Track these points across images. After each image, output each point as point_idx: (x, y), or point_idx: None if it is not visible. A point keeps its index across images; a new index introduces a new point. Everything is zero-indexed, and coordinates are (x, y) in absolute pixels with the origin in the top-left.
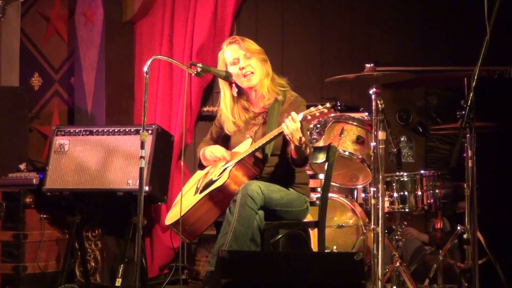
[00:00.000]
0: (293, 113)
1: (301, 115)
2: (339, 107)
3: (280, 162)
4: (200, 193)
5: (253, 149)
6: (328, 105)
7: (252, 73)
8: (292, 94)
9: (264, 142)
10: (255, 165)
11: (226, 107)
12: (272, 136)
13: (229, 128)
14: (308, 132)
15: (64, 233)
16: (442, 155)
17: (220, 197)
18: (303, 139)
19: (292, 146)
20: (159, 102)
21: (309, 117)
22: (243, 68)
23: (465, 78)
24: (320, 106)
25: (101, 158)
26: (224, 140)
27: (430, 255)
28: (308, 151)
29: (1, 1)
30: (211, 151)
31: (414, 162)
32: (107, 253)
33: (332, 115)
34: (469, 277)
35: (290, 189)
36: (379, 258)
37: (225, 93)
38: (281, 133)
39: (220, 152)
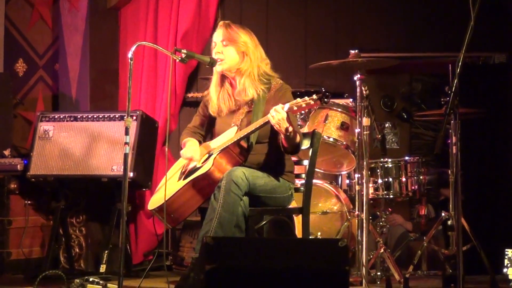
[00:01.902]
0: (280, 105)
1: (287, 105)
2: (325, 100)
3: (268, 150)
4: (184, 179)
5: (238, 138)
6: (314, 97)
7: (221, 60)
8: (278, 82)
9: (249, 131)
10: (240, 154)
11: (212, 88)
12: (258, 126)
13: (212, 109)
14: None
15: (49, 219)
16: (427, 141)
17: (203, 184)
18: (290, 129)
19: (282, 135)
20: (144, 88)
21: (295, 108)
22: (215, 53)
23: (450, 64)
24: (306, 98)
25: (86, 144)
26: (208, 127)
27: (415, 242)
28: (298, 138)
29: None
30: (184, 152)
31: (399, 148)
32: (92, 239)
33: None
34: (453, 263)
35: (275, 175)
36: (363, 245)
37: (214, 76)
38: (267, 123)
39: (190, 154)
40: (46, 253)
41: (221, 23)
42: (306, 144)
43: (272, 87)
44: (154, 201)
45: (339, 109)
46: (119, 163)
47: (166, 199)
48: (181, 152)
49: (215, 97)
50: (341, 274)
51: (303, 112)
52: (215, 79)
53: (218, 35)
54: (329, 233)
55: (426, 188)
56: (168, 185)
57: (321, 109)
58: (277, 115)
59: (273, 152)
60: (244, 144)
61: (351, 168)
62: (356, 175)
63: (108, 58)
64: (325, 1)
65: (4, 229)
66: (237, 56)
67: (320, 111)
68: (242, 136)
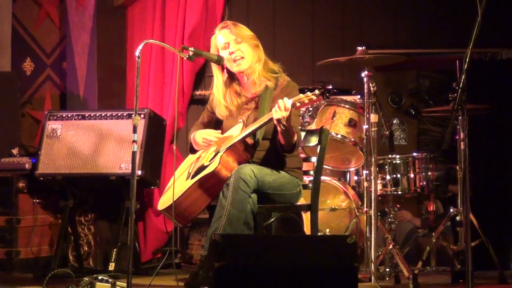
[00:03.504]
0: (285, 99)
1: (290, 101)
2: (327, 94)
3: (272, 146)
4: (191, 178)
5: (244, 135)
6: (317, 92)
7: (242, 58)
8: (285, 79)
9: (254, 127)
10: (246, 151)
11: (218, 92)
12: (262, 122)
13: (220, 113)
14: (300, 117)
15: (57, 217)
16: (435, 138)
17: (211, 183)
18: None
19: (279, 130)
20: (151, 86)
21: (298, 104)
22: (232, 52)
23: (457, 61)
24: (309, 93)
25: (94, 142)
26: (216, 125)
27: (423, 238)
28: (295, 137)
29: None
30: (203, 136)
31: (407, 144)
32: (100, 237)
33: None
34: (462, 259)
35: (282, 172)
36: (372, 241)
37: (217, 78)
38: (271, 119)
39: (212, 135)
40: (55, 252)
41: (224, 23)
42: (314, 141)
43: (279, 84)
44: (164, 201)
45: (347, 106)
46: (127, 161)
47: (175, 199)
48: (206, 132)
49: (222, 100)
50: (350, 271)
51: (311, 109)
52: (219, 80)
53: (228, 35)
54: (338, 230)
55: (434, 184)
56: (177, 185)
57: (329, 106)
58: (280, 113)
59: (277, 148)
60: (250, 140)
61: (359, 164)
62: (364, 172)
63: (115, 56)
64: None
65: (12, 228)
66: (252, 51)
67: (328, 108)
68: (247, 132)
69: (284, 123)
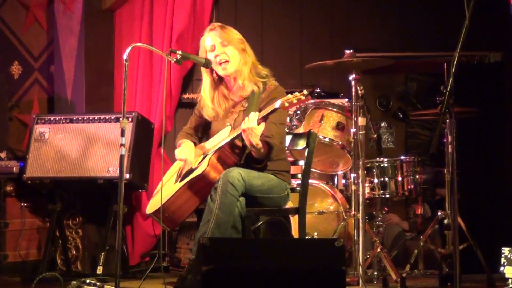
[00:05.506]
0: (251, 114)
1: (278, 102)
2: (316, 94)
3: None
4: (180, 181)
5: (232, 137)
6: (305, 92)
7: (226, 61)
8: (273, 83)
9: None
10: (234, 153)
11: (205, 94)
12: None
13: (208, 114)
14: (288, 119)
15: (45, 221)
16: (422, 141)
17: (200, 186)
18: (259, 145)
19: (248, 144)
20: (139, 89)
21: (286, 104)
22: (217, 55)
23: (445, 64)
24: (297, 93)
25: (82, 146)
26: (204, 129)
27: (411, 241)
28: (264, 150)
29: None
30: (178, 153)
31: (394, 148)
32: (88, 241)
33: (312, 101)
34: (450, 262)
35: (270, 175)
36: (360, 244)
37: (206, 80)
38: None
39: (184, 156)
40: (43, 255)
41: (212, 26)
42: (302, 144)
43: (266, 88)
44: (152, 204)
45: (335, 109)
46: (115, 165)
47: (163, 202)
48: (176, 151)
49: (209, 102)
50: (337, 274)
51: (298, 112)
52: (207, 83)
53: (215, 38)
54: (326, 233)
55: (422, 187)
56: (165, 188)
57: (317, 109)
58: (248, 124)
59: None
60: (238, 143)
61: (347, 168)
62: (352, 175)
63: (103, 59)
64: (320, 1)
65: (0, 231)
66: (239, 54)
67: (316, 111)
68: (235, 135)
69: (255, 141)
